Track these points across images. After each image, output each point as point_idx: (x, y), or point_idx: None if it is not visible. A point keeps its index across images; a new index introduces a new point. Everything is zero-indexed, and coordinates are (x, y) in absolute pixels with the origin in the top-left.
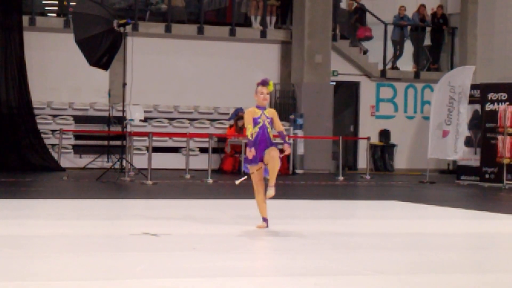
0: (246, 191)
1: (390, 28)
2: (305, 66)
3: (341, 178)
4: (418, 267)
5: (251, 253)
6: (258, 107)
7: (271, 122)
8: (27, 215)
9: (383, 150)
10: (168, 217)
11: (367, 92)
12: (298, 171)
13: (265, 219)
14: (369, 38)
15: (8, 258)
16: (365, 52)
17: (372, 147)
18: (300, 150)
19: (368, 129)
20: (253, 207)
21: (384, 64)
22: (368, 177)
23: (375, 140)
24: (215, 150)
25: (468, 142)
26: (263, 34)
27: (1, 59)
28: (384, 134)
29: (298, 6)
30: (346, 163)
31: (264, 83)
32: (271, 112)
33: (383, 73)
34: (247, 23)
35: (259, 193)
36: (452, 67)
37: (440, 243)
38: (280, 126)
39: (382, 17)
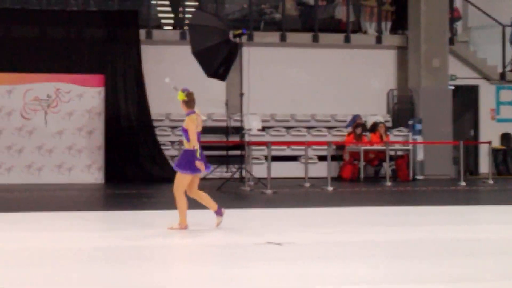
0: (367, 198)
1: (508, 30)
2: (422, 71)
3: (462, 183)
4: None
5: (376, 259)
6: None
7: (184, 132)
8: (149, 226)
9: (505, 154)
10: (290, 225)
11: (487, 95)
12: (418, 177)
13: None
14: (456, 19)
15: (134, 268)
16: None
17: (494, 151)
18: (420, 156)
19: (489, 133)
20: (376, 213)
21: (503, 66)
22: (491, 182)
23: (496, 144)
24: (333, 158)
25: None
26: (379, 40)
27: (120, 73)
28: (506, 138)
29: (413, 11)
30: (467, 168)
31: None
32: (186, 122)
33: (502, 75)
34: (362, 30)
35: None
36: None
37: None
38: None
39: (500, 18)
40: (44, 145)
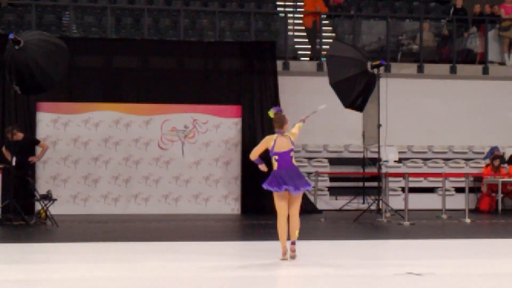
0: (505, 230)
1: None
2: None
3: None
4: None
5: None
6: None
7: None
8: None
9: None
10: (429, 257)
11: None
12: None
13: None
14: None
15: None
16: None
17: None
18: None
19: None
20: None
21: None
22: None
23: None
24: (471, 190)
25: None
26: None
27: (257, 104)
28: None
29: None
30: None
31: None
32: (290, 134)
33: None
34: (500, 61)
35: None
36: None
37: None
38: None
39: None
40: (181, 175)
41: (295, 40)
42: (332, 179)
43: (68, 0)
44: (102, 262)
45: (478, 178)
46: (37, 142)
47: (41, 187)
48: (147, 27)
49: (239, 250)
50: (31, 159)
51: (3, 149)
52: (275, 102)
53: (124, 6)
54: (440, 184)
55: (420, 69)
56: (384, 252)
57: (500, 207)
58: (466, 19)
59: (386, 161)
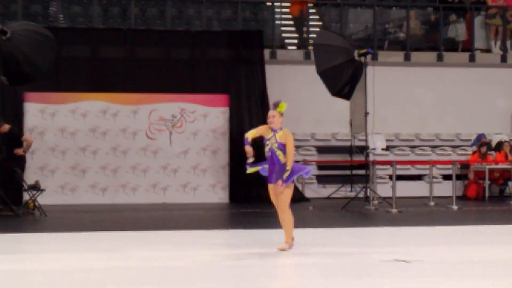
0: (492, 217)
1: None
2: None
3: None
4: None
5: (504, 278)
6: (272, 129)
7: (283, 146)
8: (276, 245)
9: None
10: (417, 244)
11: None
12: None
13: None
14: None
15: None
16: None
17: None
18: None
19: None
20: (502, 232)
21: None
22: None
23: None
24: (458, 177)
25: None
26: (503, 58)
27: (245, 93)
28: None
29: None
30: None
31: (274, 105)
32: (285, 137)
33: None
34: (486, 49)
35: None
36: None
37: None
38: (289, 153)
39: None
40: (169, 165)
41: (282, 29)
42: (320, 167)
43: None
44: (91, 252)
45: (465, 165)
46: (20, 135)
47: (29, 178)
48: (134, 17)
49: (227, 239)
50: (16, 151)
51: None
52: (263, 91)
53: None
54: (427, 172)
55: (407, 57)
56: (372, 240)
57: (487, 194)
58: (453, 6)
59: (374, 149)
